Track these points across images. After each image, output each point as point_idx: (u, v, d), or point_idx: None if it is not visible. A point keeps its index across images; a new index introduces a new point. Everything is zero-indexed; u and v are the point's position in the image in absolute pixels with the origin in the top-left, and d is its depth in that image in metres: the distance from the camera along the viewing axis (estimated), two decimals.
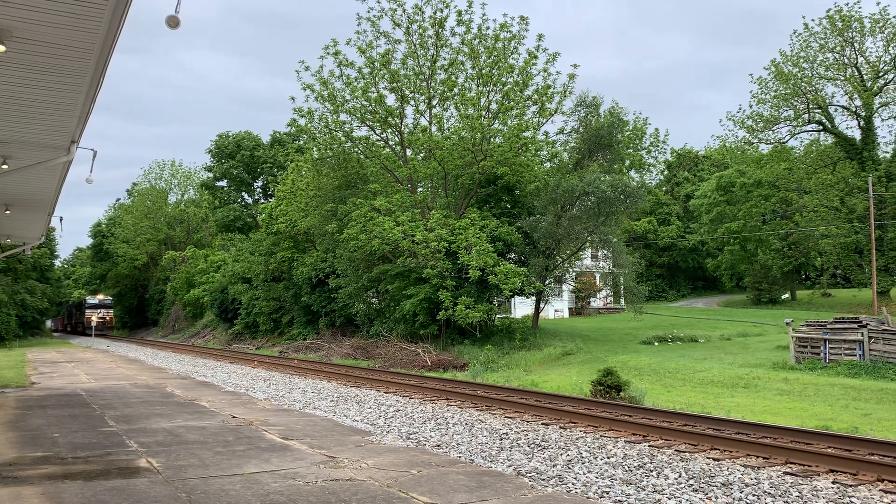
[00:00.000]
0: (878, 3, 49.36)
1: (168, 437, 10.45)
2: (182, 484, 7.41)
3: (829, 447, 10.22)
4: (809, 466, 9.12)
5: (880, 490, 8.07)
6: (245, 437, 10.48)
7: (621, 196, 30.97)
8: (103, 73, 8.67)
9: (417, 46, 32.26)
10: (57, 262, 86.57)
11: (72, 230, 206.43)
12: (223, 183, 70.25)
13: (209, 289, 59.26)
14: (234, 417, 12.59)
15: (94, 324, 75.96)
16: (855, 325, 21.80)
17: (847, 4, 46.78)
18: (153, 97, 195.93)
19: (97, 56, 8.19)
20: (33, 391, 17.43)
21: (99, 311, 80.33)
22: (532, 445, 10.59)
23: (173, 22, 7.12)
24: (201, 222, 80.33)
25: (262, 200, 67.35)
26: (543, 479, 8.36)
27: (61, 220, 22.53)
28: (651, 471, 8.90)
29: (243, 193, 71.00)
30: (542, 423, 12.73)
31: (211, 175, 70.92)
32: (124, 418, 12.44)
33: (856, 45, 47.54)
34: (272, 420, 12.31)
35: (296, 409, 14.75)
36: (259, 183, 69.50)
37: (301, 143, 43.23)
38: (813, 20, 48.64)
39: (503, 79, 31.63)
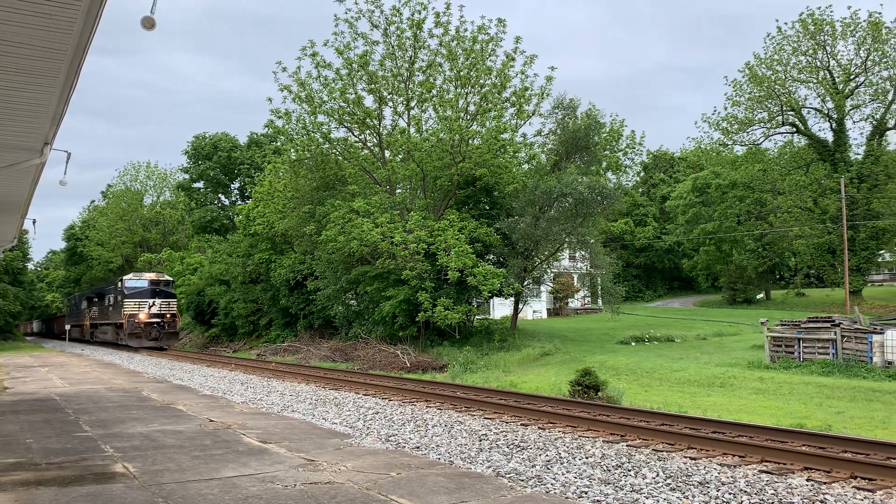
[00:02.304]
0: (849, 7, 50.37)
1: (144, 441, 10.34)
2: (159, 489, 7.34)
3: (804, 445, 10.35)
4: (784, 464, 9.24)
5: (853, 487, 8.19)
6: (222, 440, 10.40)
7: (598, 197, 31.16)
8: (77, 74, 8.56)
9: (395, 48, 32.24)
10: (30, 265, 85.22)
11: (45, 232, 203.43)
12: (199, 184, 69.70)
13: (186, 291, 58.71)
14: (211, 421, 12.49)
15: (142, 327, 43.88)
16: (828, 325, 22.12)
17: (819, 8, 47.65)
18: (130, 98, 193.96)
19: (71, 57, 8.08)
20: (6, 396, 17.16)
21: (151, 302, 44.66)
22: (511, 446, 10.61)
23: (149, 23, 7.05)
24: (177, 224, 79.47)
25: (239, 202, 66.92)
26: (522, 480, 8.39)
27: (34, 222, 22.20)
28: (629, 470, 8.96)
29: (220, 195, 70.48)
30: (521, 424, 12.76)
31: (187, 176, 70.35)
32: (99, 423, 12.28)
33: (828, 48, 48.29)
34: (250, 423, 12.23)
35: (274, 412, 14.66)
36: (236, 184, 69.06)
37: (278, 144, 43.00)
38: (786, 23, 49.41)
39: (481, 81, 31.70)
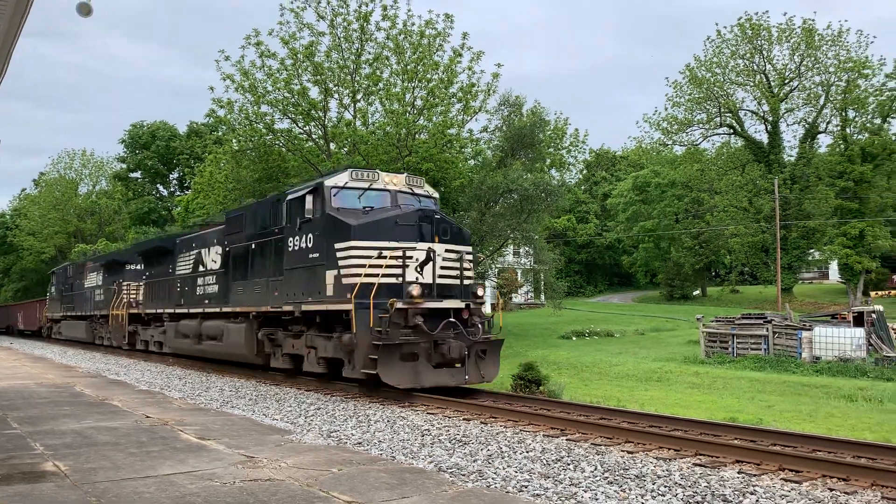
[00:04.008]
0: (784, 14, 51.95)
1: (77, 438, 10.04)
2: (92, 487, 7.14)
3: (736, 439, 10.67)
4: (717, 457, 9.50)
5: (781, 479, 8.49)
6: (159, 437, 10.17)
7: (543, 194, 31.57)
8: (8, 58, 8.24)
9: (342, 39, 31.95)
10: None
11: None
12: (137, 174, 67.91)
13: None
14: (147, 417, 12.20)
15: (420, 324, 13.38)
16: (760, 321, 22.91)
17: (756, 14, 49.02)
18: (67, 84, 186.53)
19: (1, 41, 7.78)
20: None
21: (426, 249, 13.80)
22: (453, 441, 10.66)
23: (85, 10, 6.83)
24: (114, 214, 77.12)
25: (178, 193, 65.44)
26: (464, 475, 8.43)
27: None
28: (568, 464, 9.10)
29: (158, 185, 68.79)
30: (464, 419, 12.83)
31: (124, 166, 68.44)
32: (29, 420, 11.86)
33: (764, 52, 49.87)
34: (188, 419, 11.99)
35: (213, 407, 14.40)
36: (175, 175, 67.52)
37: (220, 133, 42.21)
38: (725, 27, 50.87)
39: (428, 75, 31.68)
